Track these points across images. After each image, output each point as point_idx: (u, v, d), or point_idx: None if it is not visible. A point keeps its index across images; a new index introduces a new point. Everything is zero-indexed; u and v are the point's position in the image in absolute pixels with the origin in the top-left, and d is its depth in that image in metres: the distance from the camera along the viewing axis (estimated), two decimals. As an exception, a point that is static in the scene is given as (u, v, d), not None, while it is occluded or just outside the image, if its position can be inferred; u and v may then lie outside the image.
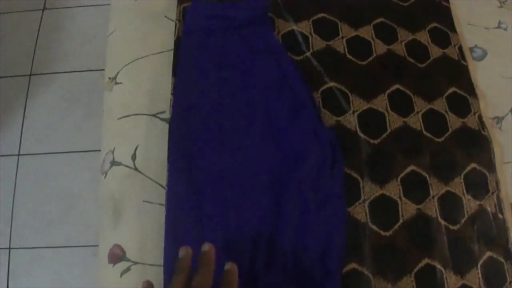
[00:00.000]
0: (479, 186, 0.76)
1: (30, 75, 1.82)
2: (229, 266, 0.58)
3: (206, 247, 0.59)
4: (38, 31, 1.90)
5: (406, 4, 0.92)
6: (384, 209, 0.73)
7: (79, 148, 1.69)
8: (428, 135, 0.79)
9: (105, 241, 0.77)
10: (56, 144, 1.71)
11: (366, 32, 0.88)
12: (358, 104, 0.81)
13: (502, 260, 0.72)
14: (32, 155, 1.71)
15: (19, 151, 1.72)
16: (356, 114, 0.80)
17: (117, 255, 0.74)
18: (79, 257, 1.56)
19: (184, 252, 0.58)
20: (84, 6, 1.94)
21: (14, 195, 1.66)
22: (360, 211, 0.73)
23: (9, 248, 1.60)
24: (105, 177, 0.81)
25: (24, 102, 1.79)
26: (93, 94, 1.76)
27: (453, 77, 0.85)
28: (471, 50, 0.89)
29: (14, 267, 1.57)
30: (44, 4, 1.95)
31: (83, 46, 1.86)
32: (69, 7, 1.94)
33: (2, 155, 1.71)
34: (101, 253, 0.77)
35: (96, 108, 1.71)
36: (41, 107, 1.78)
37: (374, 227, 0.72)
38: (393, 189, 0.74)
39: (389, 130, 0.79)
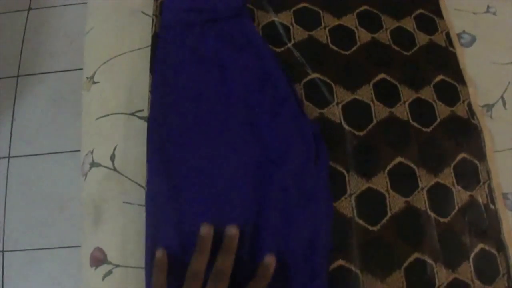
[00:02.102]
0: (470, 176, 0.74)
1: (18, 76, 1.81)
2: (269, 259, 0.60)
3: (232, 231, 0.60)
4: (24, 31, 1.89)
5: (391, -10, 0.89)
6: (371, 203, 0.71)
7: (69, 148, 1.69)
8: (416, 125, 0.77)
9: (87, 244, 0.75)
10: (46, 145, 1.71)
11: (350, 20, 0.85)
12: (342, 95, 0.78)
13: (495, 252, 0.70)
14: (22, 157, 1.71)
15: (9, 153, 1.71)
16: (340, 105, 0.78)
17: (98, 259, 0.72)
18: (73, 258, 1.55)
19: (206, 230, 0.59)
20: (70, 4, 1.92)
21: (5, 198, 1.66)
22: (346, 206, 0.71)
23: (2, 251, 1.59)
24: (85, 179, 0.80)
25: (12, 103, 1.78)
26: (81, 93, 1.74)
27: (440, 64, 0.83)
28: (459, 36, 0.87)
29: (7, 269, 1.57)
30: (30, 4, 1.93)
31: (70, 45, 1.85)
32: (54, 6, 1.93)
33: (-7, 158, 1.70)
34: (83, 257, 0.75)
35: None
36: (30, 108, 1.77)
37: (361, 222, 0.70)
38: (380, 182, 0.72)
39: (375, 121, 0.77)
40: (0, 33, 1.89)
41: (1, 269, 1.57)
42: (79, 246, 1.43)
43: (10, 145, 1.71)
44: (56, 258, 1.57)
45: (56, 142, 1.70)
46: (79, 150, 1.62)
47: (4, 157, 1.70)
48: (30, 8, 1.92)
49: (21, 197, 1.64)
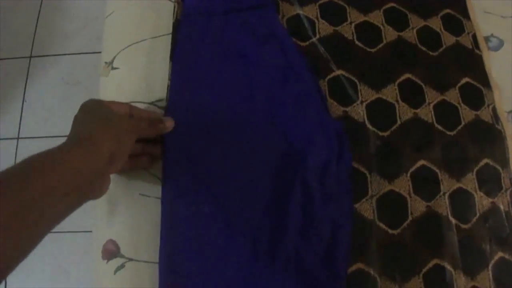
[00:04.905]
0: (492, 182, 0.73)
1: (30, 57, 1.79)
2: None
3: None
4: (39, 12, 1.86)
5: (418, -12, 0.87)
6: (392, 206, 0.70)
7: (79, 132, 1.67)
8: (440, 128, 0.75)
9: (99, 236, 0.73)
10: (56, 128, 1.69)
11: (376, 17, 0.83)
12: (367, 94, 0.77)
13: (515, 261, 0.68)
14: (31, 138, 1.69)
15: (18, 134, 1.70)
16: (364, 104, 0.76)
17: (111, 251, 0.71)
18: (78, 243, 1.54)
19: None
20: (86, -14, 1.90)
21: (13, 179, 1.63)
22: (367, 208, 0.69)
23: (8, 233, 1.57)
24: (101, 168, 0.78)
25: (24, 84, 1.76)
26: (93, 77, 1.72)
27: (466, 66, 0.81)
28: (487, 39, 0.85)
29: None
30: (46, -15, 1.91)
31: (84, 28, 1.82)
32: (70, -12, 1.91)
33: (1, 139, 1.69)
34: (95, 249, 0.73)
35: (96, 91, 1.68)
36: (41, 89, 1.75)
37: (382, 225, 0.69)
38: (402, 185, 0.71)
39: (399, 122, 0.75)
40: (15, 13, 1.87)
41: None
42: (85, 232, 1.42)
43: (19, 126, 1.70)
44: (61, 242, 1.56)
45: (67, 125, 1.65)
46: (89, 135, 1.61)
47: (13, 138, 1.69)
48: (46, -11, 1.90)
49: (29, 179, 1.63)
